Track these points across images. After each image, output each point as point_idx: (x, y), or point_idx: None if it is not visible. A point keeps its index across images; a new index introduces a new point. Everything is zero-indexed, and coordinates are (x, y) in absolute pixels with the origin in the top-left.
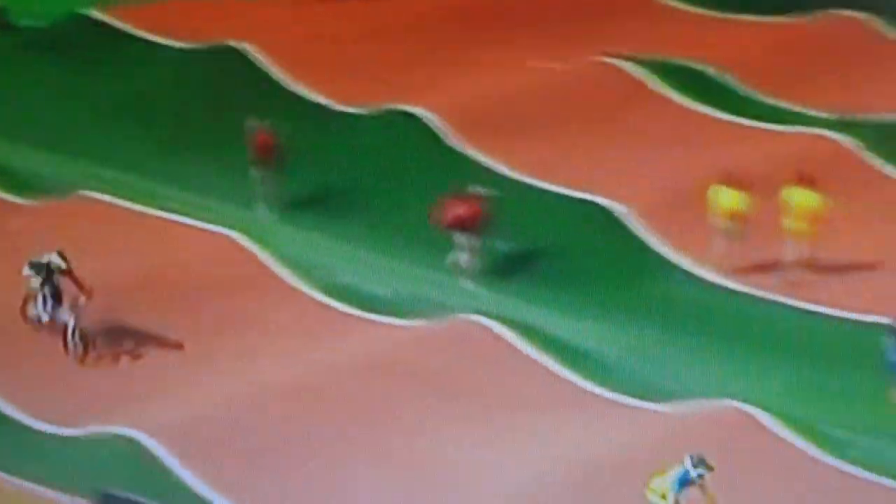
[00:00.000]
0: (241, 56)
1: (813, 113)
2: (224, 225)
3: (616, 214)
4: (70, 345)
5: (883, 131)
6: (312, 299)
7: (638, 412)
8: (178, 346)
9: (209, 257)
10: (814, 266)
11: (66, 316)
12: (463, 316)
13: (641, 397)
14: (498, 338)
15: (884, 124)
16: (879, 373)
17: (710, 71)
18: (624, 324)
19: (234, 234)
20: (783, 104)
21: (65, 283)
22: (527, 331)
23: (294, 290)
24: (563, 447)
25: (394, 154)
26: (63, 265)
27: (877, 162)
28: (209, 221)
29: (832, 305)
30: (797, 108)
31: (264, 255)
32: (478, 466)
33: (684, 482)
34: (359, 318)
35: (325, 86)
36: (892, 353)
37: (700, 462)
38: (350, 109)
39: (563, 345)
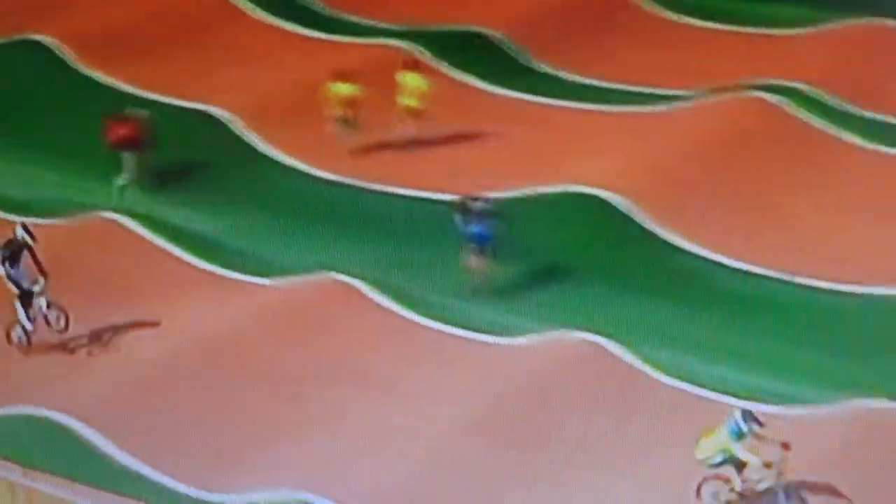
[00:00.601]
0: None
1: (384, 25)
2: None
3: (226, 122)
4: (52, 320)
5: (445, 39)
6: None
7: (253, 287)
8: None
9: None
10: (419, 143)
11: (37, 299)
12: (100, 214)
13: (256, 274)
14: (131, 232)
15: (446, 33)
16: (454, 243)
17: None
18: (238, 213)
19: None
20: (359, 19)
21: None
22: (157, 224)
23: None
24: (190, 323)
25: (26, 80)
26: (30, 241)
27: (440, 65)
28: None
29: (414, 186)
30: (371, 22)
31: None
32: (120, 344)
33: (739, 435)
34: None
35: None
36: (462, 227)
37: (749, 415)
38: None
39: (188, 234)
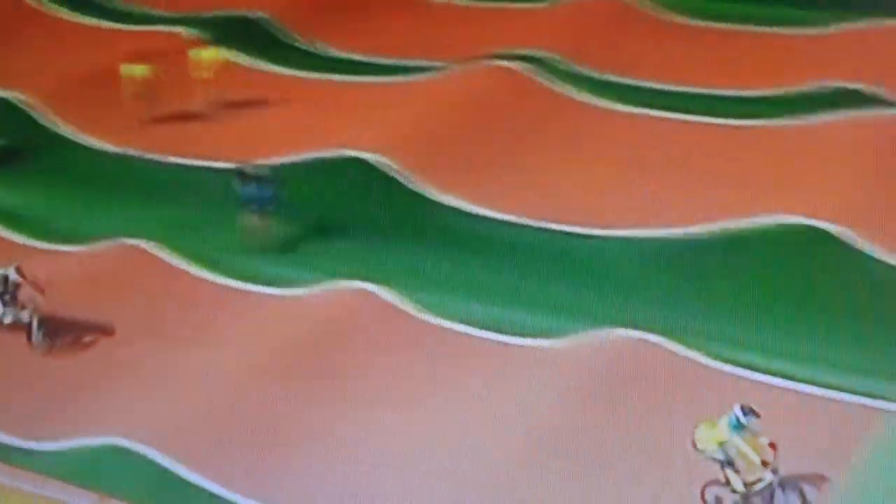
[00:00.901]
0: None
1: (165, 14)
2: None
3: (24, 106)
4: (35, 339)
5: (220, 24)
6: None
7: (55, 254)
8: (111, 332)
9: None
10: (219, 106)
11: (26, 316)
12: None
13: (58, 242)
14: None
15: (220, 18)
16: (233, 205)
17: None
18: (40, 188)
19: None
20: (138, 10)
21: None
22: None
23: None
24: None
25: None
26: (20, 280)
27: (241, 59)
28: None
29: (200, 156)
30: (153, 12)
31: None
32: None
33: (737, 428)
34: None
35: None
36: (241, 191)
37: (749, 410)
38: None
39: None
